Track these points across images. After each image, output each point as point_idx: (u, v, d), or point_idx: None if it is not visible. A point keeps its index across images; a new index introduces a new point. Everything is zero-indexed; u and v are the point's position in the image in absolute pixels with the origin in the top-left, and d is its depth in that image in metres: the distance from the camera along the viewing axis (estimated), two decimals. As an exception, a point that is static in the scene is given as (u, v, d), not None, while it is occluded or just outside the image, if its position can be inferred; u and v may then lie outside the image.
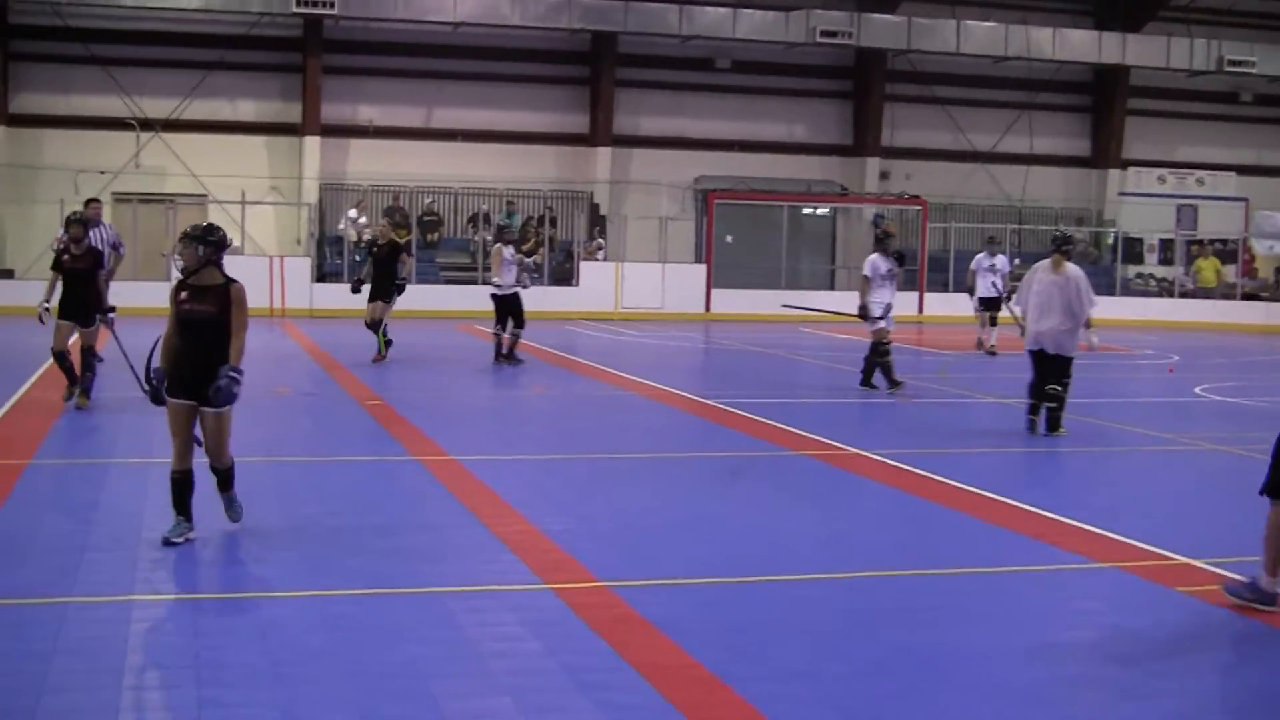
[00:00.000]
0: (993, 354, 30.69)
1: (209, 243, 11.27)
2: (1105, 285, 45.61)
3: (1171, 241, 49.67)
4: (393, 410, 19.71)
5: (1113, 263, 48.32)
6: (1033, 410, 18.96)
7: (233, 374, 11.00)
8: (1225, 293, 46.78)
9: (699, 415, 20.49)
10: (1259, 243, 48.76)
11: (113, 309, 19.36)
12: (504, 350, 26.06)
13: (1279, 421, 21.38)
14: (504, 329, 26.10)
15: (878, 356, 23.15)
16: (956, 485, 14.79)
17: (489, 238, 42.06)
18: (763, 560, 11.34)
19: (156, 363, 11.28)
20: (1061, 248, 18.81)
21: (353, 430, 18.30)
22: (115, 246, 22.76)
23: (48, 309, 18.78)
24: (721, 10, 44.34)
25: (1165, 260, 49.02)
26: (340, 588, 10.04)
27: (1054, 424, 18.78)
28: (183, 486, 11.20)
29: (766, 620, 9.65)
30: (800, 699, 8.03)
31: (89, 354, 18.99)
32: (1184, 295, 46.00)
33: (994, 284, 31.50)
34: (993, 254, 31.26)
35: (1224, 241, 49.51)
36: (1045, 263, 18.87)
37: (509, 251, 26.21)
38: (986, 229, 48.32)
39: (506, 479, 14.60)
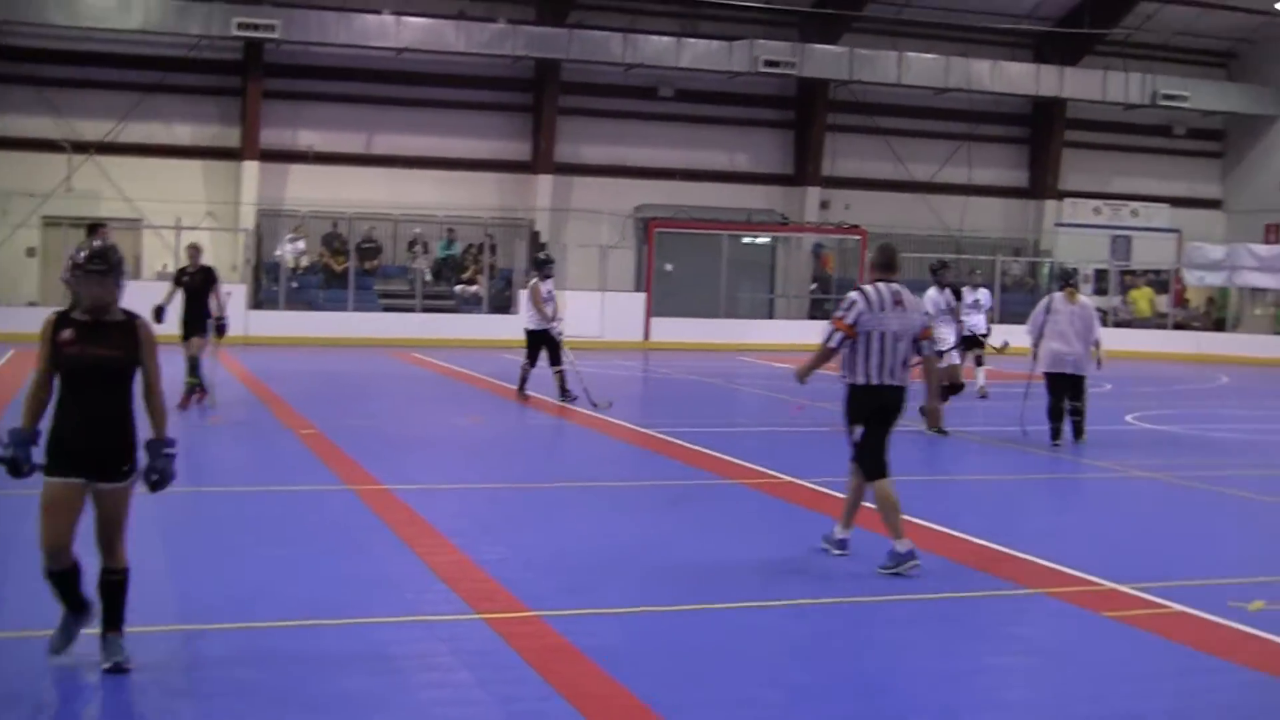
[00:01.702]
0: (984, 397, 28.25)
1: (121, 271, 8.82)
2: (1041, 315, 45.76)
3: (1106, 272, 49.91)
4: (327, 439, 19.58)
5: (1049, 293, 48.44)
6: (1056, 433, 21.16)
7: (169, 450, 8.84)
8: (1158, 322, 47.23)
9: (636, 444, 20.47)
10: (1190, 273, 49.10)
11: None
12: (565, 386, 24.94)
13: (1207, 449, 21.62)
14: (533, 364, 25.26)
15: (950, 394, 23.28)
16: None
17: (426, 266, 42.11)
18: (698, 589, 11.32)
19: (11, 423, 8.85)
20: (1070, 281, 21.95)
21: (286, 460, 18.21)
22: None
23: None
24: (665, 39, 44.34)
25: (1100, 290, 49.20)
26: (271, 619, 9.96)
27: (1079, 432, 21.39)
28: (68, 579, 8.81)
29: (701, 649, 9.64)
30: (734, 730, 8.03)
31: None
32: (1119, 324, 46.23)
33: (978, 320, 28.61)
34: (975, 287, 29.39)
35: (1157, 272, 49.94)
36: (1059, 295, 21.48)
37: (547, 287, 25.27)
38: (926, 259, 48.46)
39: (440, 508, 14.55)
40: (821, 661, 9.46)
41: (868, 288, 12.49)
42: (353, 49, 42.21)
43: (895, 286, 12.55)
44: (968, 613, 10.98)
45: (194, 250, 23.28)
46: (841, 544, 12.78)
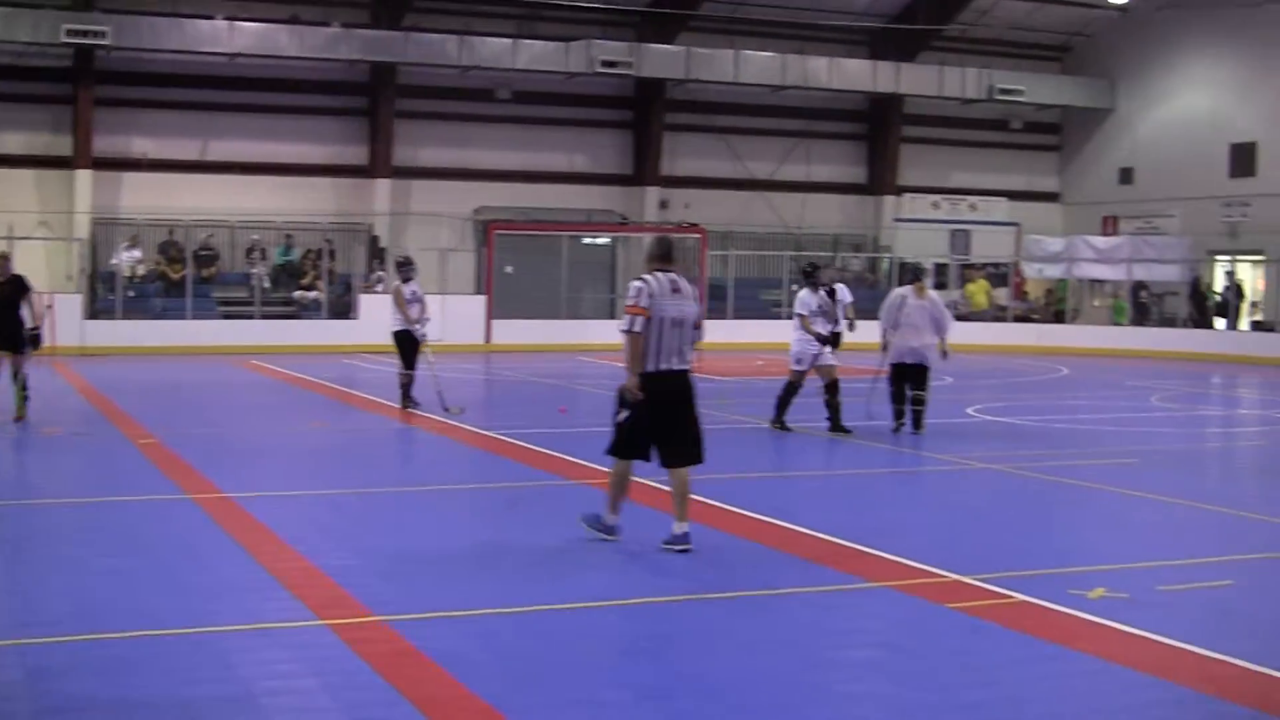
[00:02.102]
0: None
1: None
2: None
3: (946, 266, 50.38)
4: (167, 449, 19.37)
5: (889, 288, 48.79)
6: (899, 415, 22.09)
7: None
8: (997, 315, 47.76)
9: (479, 447, 20.45)
10: (1029, 266, 49.77)
11: None
12: (409, 392, 24.68)
13: (1046, 440, 21.91)
14: (411, 368, 24.74)
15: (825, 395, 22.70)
16: (733, 510, 14.93)
17: (264, 272, 41.77)
18: (542, 590, 11.33)
19: None
20: (919, 277, 23.03)
21: (125, 470, 17.97)
22: None
23: None
24: (502, 41, 44.31)
25: (940, 285, 49.61)
26: (112, 630, 9.85)
27: (919, 423, 22.03)
28: None
29: (545, 650, 9.64)
30: (578, 729, 8.05)
31: None
32: (959, 319, 46.63)
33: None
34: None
35: (996, 265, 50.50)
36: (908, 289, 22.44)
37: (410, 288, 24.92)
38: (765, 256, 48.91)
39: (283, 516, 14.47)
40: (665, 660, 9.49)
41: (648, 276, 13.19)
42: (185, 55, 41.85)
43: (672, 275, 13.25)
44: (810, 607, 11.03)
45: (2, 259, 22.24)
46: (613, 529, 13.38)
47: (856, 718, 8.43)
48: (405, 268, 25.27)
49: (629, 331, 13.02)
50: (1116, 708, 8.64)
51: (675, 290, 13.12)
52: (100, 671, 8.96)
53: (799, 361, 22.37)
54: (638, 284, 13.18)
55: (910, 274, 23.51)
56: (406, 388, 24.57)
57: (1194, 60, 49.82)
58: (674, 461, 13.09)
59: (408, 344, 24.69)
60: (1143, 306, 48.02)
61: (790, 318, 23.93)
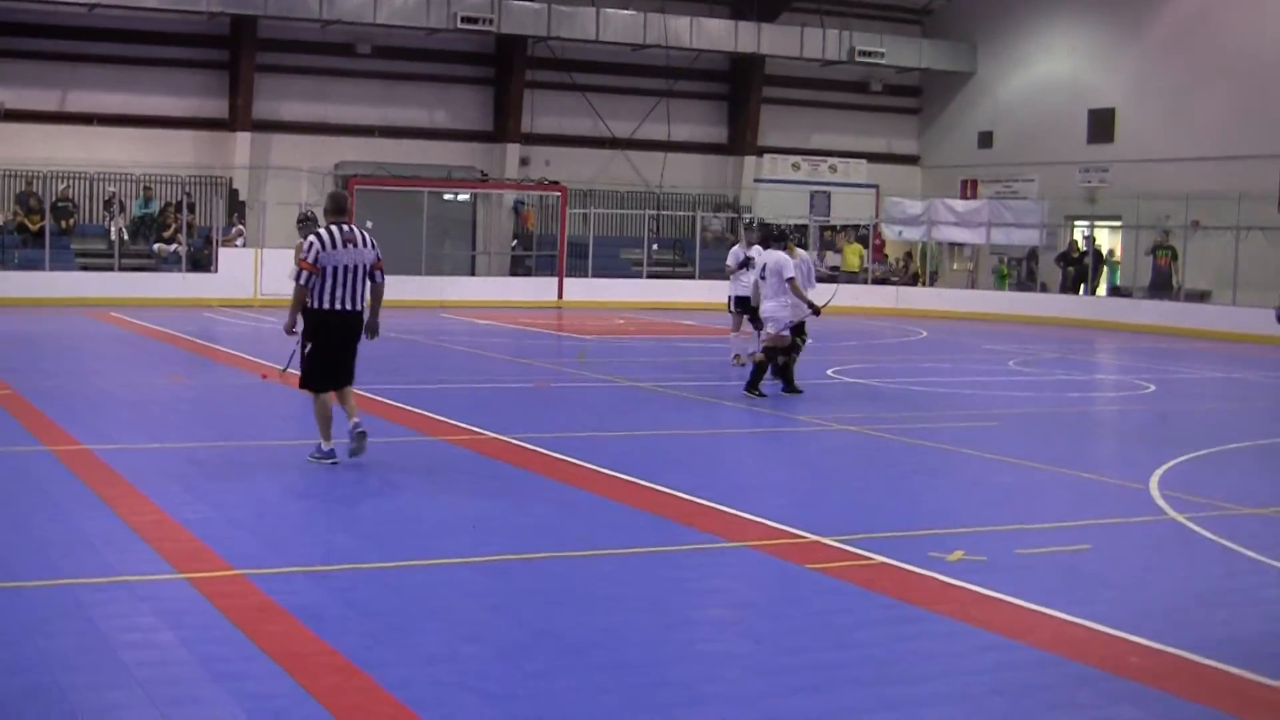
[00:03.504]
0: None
1: None
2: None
3: (806, 227, 50.60)
4: (24, 399, 19.20)
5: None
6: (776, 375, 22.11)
7: None
8: (858, 277, 48.01)
9: (338, 403, 20.38)
10: (888, 228, 50.09)
11: None
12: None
13: (905, 402, 22.11)
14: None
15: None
16: (593, 469, 15.01)
17: (123, 224, 41.32)
18: (401, 546, 11.39)
19: None
20: (788, 238, 23.84)
21: (-19, 421, 17.82)
22: None
23: None
24: (363, -5, 44.09)
25: (800, 245, 49.97)
26: (-33, 582, 9.81)
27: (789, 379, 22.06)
28: None
29: (405, 606, 9.67)
30: (438, 682, 8.09)
31: None
32: (820, 280, 46.89)
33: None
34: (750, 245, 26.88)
35: (856, 227, 50.85)
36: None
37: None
38: (626, 215, 49.00)
39: (142, 468, 14.42)
40: (523, 617, 9.51)
41: (322, 231, 14.86)
42: (43, 4, 41.28)
43: (346, 228, 14.92)
44: (670, 566, 11.12)
45: None
46: (331, 453, 15.05)
47: (715, 676, 8.48)
48: (308, 223, 24.05)
49: (296, 281, 14.83)
50: (974, 669, 8.76)
51: (349, 242, 14.82)
52: (-46, 623, 8.91)
53: (787, 327, 21.82)
54: (311, 239, 14.87)
55: (778, 238, 23.15)
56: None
57: (1055, 25, 50.20)
58: (341, 384, 15.15)
59: None
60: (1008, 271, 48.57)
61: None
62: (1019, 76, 51.52)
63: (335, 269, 14.69)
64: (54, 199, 41.36)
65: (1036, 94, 50.64)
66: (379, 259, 15.19)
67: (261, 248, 41.65)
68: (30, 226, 40.34)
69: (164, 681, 7.96)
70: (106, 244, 41.59)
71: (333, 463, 14.84)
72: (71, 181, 42.57)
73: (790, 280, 21.61)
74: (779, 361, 22.04)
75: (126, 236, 41.59)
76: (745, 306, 25.56)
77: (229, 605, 9.41)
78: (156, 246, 41.68)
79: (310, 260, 14.65)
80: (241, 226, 42.78)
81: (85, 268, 40.58)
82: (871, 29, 51.98)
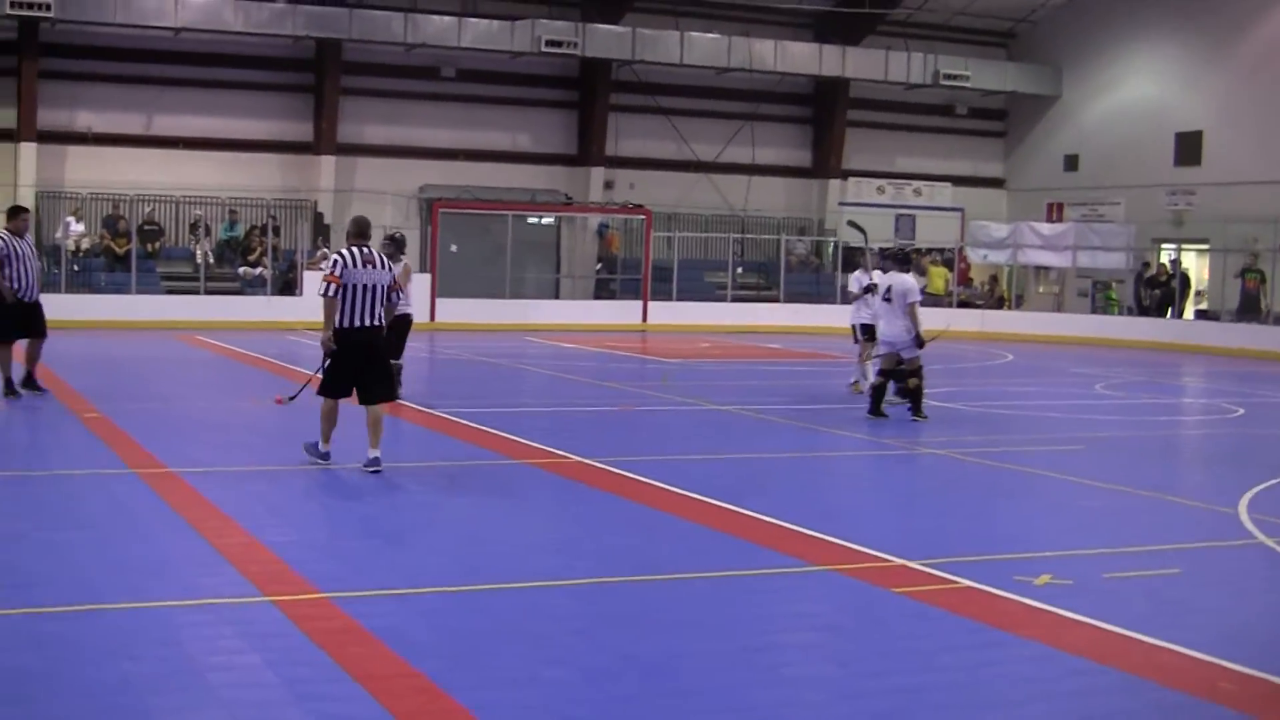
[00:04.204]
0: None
1: None
2: (827, 294, 46.45)
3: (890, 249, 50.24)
4: (111, 423, 19.29)
5: (833, 271, 48.87)
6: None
7: None
8: (943, 301, 47.72)
9: (422, 425, 20.39)
10: (973, 252, 49.83)
11: None
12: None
13: (991, 426, 21.94)
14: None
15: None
16: (678, 492, 14.93)
17: (209, 247, 41.56)
18: (485, 568, 11.35)
19: None
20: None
21: (69, 443, 17.88)
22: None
23: None
24: (447, 19, 44.19)
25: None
26: (50, 605, 9.80)
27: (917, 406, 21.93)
28: None
29: (489, 628, 9.64)
30: (521, 706, 8.06)
31: None
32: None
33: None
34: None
35: (941, 250, 50.60)
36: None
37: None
38: (710, 238, 48.99)
39: (227, 491, 14.41)
40: (608, 641, 9.47)
41: (344, 250, 15.82)
42: (130, 29, 41.63)
43: (366, 250, 15.83)
44: (754, 590, 11.03)
45: None
46: (326, 455, 16.08)
47: (800, 700, 8.42)
48: (398, 243, 22.50)
49: (325, 295, 15.67)
50: (1060, 693, 8.67)
51: (368, 263, 15.74)
52: (34, 645, 8.90)
53: (913, 348, 21.83)
54: (335, 257, 15.84)
55: (898, 259, 22.81)
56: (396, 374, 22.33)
57: (1140, 48, 49.91)
58: (369, 399, 15.78)
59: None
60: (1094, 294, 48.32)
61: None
62: (1104, 99, 51.20)
63: (355, 287, 15.62)
64: (140, 222, 41.68)
65: (1122, 117, 50.31)
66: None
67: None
68: (117, 250, 40.64)
69: (249, 704, 7.96)
70: (192, 267, 41.87)
71: (325, 465, 15.93)
72: (157, 205, 42.90)
73: (912, 305, 21.60)
74: (909, 384, 21.90)
75: (212, 260, 41.85)
76: (872, 334, 24.43)
77: (313, 628, 9.39)
78: (242, 270, 41.94)
79: (335, 274, 15.61)
80: (327, 249, 42.87)
81: (171, 291, 40.87)
82: (956, 52, 51.77)
